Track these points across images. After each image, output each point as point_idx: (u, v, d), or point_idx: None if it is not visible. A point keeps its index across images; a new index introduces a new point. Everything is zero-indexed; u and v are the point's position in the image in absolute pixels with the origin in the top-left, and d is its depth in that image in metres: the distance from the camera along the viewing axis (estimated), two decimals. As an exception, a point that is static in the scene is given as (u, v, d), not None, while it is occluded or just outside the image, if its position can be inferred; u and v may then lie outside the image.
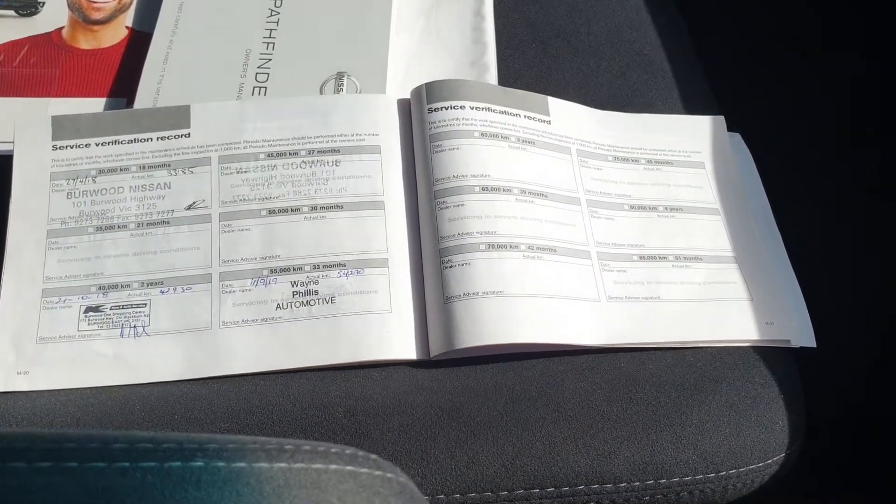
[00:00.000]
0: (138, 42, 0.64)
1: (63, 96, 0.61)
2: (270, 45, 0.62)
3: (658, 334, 0.52)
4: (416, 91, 0.57)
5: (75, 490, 0.22)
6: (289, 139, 0.55)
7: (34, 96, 0.61)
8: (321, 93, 0.59)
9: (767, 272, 0.56)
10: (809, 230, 0.63)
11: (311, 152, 0.55)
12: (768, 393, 0.50)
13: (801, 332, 0.54)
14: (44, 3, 0.66)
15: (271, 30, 0.63)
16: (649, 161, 0.59)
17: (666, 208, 0.57)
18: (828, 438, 0.55)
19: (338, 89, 0.60)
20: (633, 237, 0.56)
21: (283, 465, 0.24)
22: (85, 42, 0.64)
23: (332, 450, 0.26)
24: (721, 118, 0.62)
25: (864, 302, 0.64)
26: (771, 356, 0.52)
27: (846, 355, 0.57)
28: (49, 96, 0.61)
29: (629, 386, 0.49)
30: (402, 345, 0.50)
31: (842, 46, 0.76)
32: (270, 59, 0.61)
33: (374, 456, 0.28)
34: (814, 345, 0.54)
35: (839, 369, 0.57)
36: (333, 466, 0.25)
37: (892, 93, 0.72)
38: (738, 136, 0.63)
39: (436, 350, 0.50)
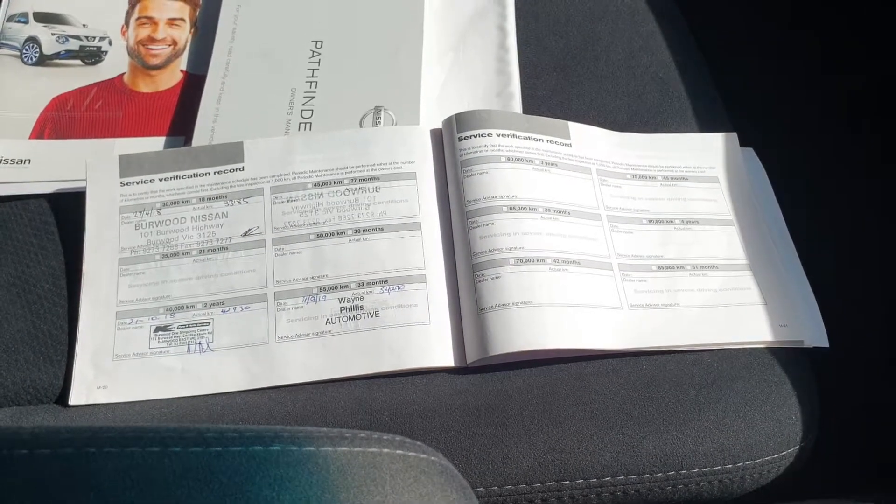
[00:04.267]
0: (193, 84, 0.69)
1: (127, 136, 0.67)
2: (313, 84, 0.67)
3: (677, 338, 0.56)
4: (448, 121, 0.62)
5: (180, 468, 0.27)
6: (333, 169, 0.60)
7: (101, 137, 0.67)
8: (361, 126, 0.65)
9: (780, 277, 0.59)
10: (822, 236, 0.66)
11: (353, 180, 0.60)
12: (782, 390, 0.54)
13: (814, 333, 0.57)
14: (107, 52, 0.72)
15: (314, 69, 0.68)
16: (666, 178, 0.64)
17: (682, 221, 0.61)
18: (842, 433, 0.58)
19: (376, 122, 0.65)
20: (651, 249, 0.60)
21: (344, 448, 0.29)
22: (145, 86, 0.70)
23: (385, 437, 0.31)
24: (734, 135, 0.66)
25: (876, 303, 0.67)
26: (785, 356, 0.56)
27: (859, 354, 0.60)
28: (115, 137, 0.67)
29: (651, 386, 0.54)
30: (440, 353, 0.55)
31: (848, 60, 0.80)
32: (314, 97, 0.66)
33: (419, 443, 0.33)
34: (826, 345, 0.57)
35: (852, 368, 0.60)
36: (386, 450, 0.30)
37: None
38: (751, 151, 0.67)
39: (472, 357, 0.55)
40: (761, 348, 0.56)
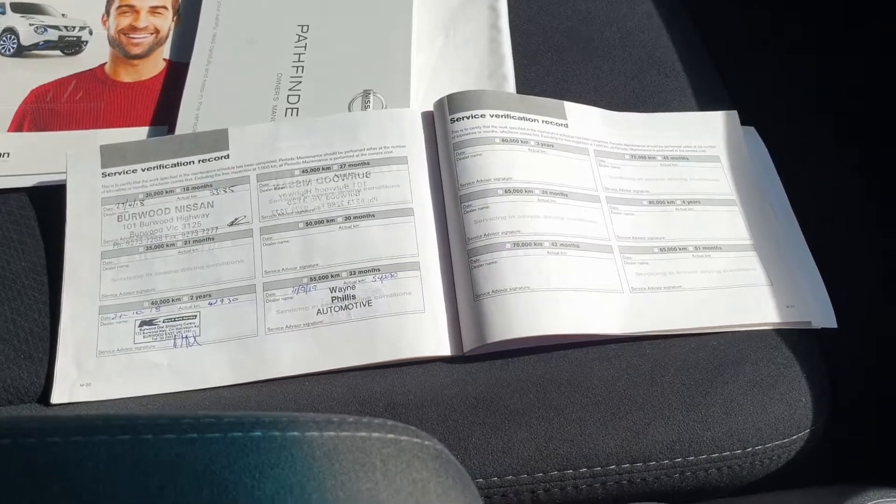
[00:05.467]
0: (176, 73, 0.67)
1: (109, 127, 0.65)
2: (300, 69, 0.65)
3: (681, 321, 0.54)
4: (439, 103, 0.60)
5: (152, 457, 0.25)
6: (321, 155, 0.59)
7: (83, 129, 0.65)
8: (349, 110, 0.63)
9: (785, 257, 0.58)
10: (827, 214, 0.64)
11: (342, 166, 0.58)
12: (791, 372, 0.52)
13: (821, 314, 0.56)
14: (87, 42, 0.70)
15: (300, 54, 0.66)
16: (665, 157, 0.62)
17: (684, 201, 0.60)
18: (853, 416, 0.56)
19: (365, 106, 0.63)
20: (652, 230, 0.58)
21: (331, 433, 0.27)
22: (126, 76, 0.68)
23: (375, 421, 0.29)
24: (734, 113, 0.64)
25: (883, 282, 0.65)
26: (792, 338, 0.54)
27: (868, 334, 0.58)
28: (96, 128, 0.65)
29: (654, 370, 0.52)
30: (436, 342, 0.53)
31: (851, 42, 0.78)
32: (300, 82, 0.64)
33: (412, 427, 0.31)
34: (834, 325, 0.55)
35: (860, 348, 0.58)
36: (376, 434, 0.28)
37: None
38: (752, 130, 0.65)
39: (469, 345, 0.53)
40: (768, 330, 0.55)
